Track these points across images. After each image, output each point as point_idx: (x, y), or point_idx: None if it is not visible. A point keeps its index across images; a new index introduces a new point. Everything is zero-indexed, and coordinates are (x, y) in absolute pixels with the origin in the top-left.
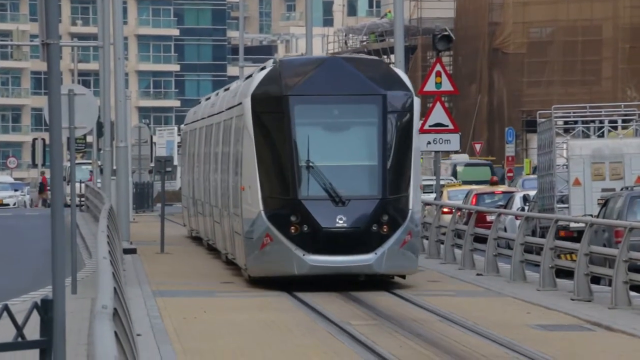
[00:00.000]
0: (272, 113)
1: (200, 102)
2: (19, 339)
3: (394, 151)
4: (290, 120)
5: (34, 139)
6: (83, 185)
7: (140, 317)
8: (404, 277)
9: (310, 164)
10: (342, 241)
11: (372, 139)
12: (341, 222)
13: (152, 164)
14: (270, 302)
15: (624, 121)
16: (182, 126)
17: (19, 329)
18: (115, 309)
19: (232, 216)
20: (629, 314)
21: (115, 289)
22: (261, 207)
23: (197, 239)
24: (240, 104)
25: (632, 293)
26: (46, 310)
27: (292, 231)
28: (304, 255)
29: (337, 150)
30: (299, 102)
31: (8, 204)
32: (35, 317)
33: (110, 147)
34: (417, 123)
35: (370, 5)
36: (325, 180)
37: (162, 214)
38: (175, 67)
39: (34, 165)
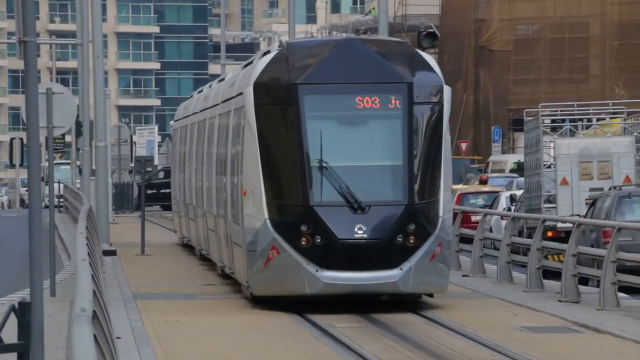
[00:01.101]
0: (278, 104)
1: (192, 96)
2: None
3: (422, 149)
4: (299, 112)
5: (12, 139)
6: (62, 185)
7: (120, 319)
8: (431, 295)
9: (324, 164)
10: (361, 255)
11: (396, 135)
12: (360, 232)
13: (132, 164)
14: (253, 304)
15: (612, 119)
16: (171, 122)
17: None
18: (94, 312)
19: (230, 224)
20: (617, 315)
21: (94, 291)
22: (266, 214)
23: (188, 247)
24: (240, 94)
25: (620, 294)
26: (24, 313)
27: (303, 243)
28: (317, 271)
29: (355, 148)
30: (310, 91)
31: None
32: (13, 320)
33: (89, 147)
34: (447, 116)
35: (354, 2)
36: (342, 183)
37: (143, 215)
38: (156, 65)
39: (12, 165)
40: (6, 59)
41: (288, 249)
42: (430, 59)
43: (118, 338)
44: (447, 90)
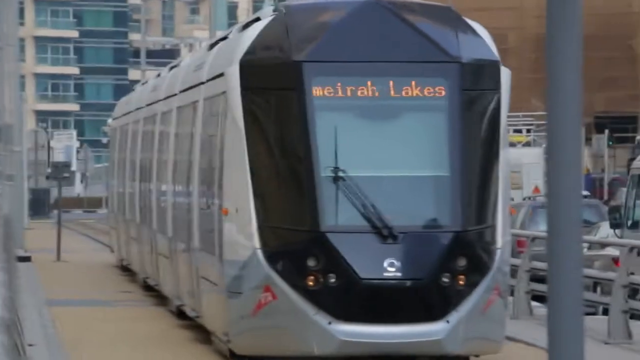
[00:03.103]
0: (275, 90)
1: (134, 90)
2: None
3: (475, 154)
4: (306, 101)
5: None
6: None
7: (33, 326)
8: (477, 355)
9: (340, 174)
10: (393, 301)
11: (440, 134)
12: (392, 269)
13: (49, 170)
14: (171, 312)
15: (527, 131)
16: (108, 121)
17: None
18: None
19: (196, 253)
20: (531, 324)
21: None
22: (257, 242)
23: (128, 270)
24: (217, 77)
25: (534, 303)
26: None
27: (310, 284)
28: (329, 323)
29: (383, 152)
30: (320, 71)
31: None
32: None
33: (4, 152)
34: (506, 108)
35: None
36: (366, 201)
37: (59, 221)
38: (75, 70)
39: None
40: None
41: (288, 292)
42: (483, 30)
43: (30, 345)
44: (505, 73)
